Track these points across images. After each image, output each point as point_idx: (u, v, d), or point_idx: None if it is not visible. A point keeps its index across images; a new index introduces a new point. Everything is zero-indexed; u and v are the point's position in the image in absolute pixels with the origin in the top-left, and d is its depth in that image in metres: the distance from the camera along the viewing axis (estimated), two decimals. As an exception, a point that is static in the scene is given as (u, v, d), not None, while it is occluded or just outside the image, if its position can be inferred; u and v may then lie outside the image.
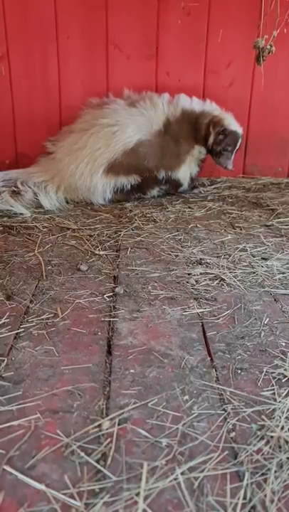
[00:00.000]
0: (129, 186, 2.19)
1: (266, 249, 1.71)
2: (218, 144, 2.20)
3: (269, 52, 1.73)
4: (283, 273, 1.52)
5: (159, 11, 2.34)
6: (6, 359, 1.06)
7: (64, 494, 0.74)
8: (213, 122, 2.18)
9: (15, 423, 0.88)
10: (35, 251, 1.64)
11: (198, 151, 2.28)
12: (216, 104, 2.34)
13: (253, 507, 0.73)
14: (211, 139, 2.19)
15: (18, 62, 2.39)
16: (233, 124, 2.21)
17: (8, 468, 0.78)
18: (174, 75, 2.47)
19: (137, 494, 0.74)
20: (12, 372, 1.02)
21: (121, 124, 2.13)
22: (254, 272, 1.52)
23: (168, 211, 2.12)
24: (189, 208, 2.19)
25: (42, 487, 0.75)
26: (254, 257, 1.64)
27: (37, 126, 2.51)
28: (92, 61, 2.41)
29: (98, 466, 0.79)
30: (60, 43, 2.36)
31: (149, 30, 2.38)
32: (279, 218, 2.04)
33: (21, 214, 1.99)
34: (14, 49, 2.36)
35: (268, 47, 1.73)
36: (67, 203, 2.19)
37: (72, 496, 0.74)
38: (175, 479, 0.77)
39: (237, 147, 2.24)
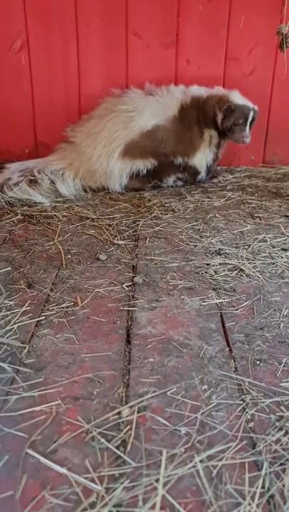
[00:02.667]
0: (145, 171, 2.19)
1: (286, 239, 1.69)
2: (227, 120, 2.19)
3: (292, 39, 1.70)
4: (303, 264, 1.50)
5: (180, -3, 2.31)
6: (27, 346, 1.08)
7: (85, 478, 0.76)
8: (218, 102, 2.20)
9: (37, 408, 0.90)
10: (55, 240, 1.66)
11: (209, 135, 2.28)
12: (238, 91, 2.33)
13: (271, 496, 0.74)
14: (219, 119, 2.20)
15: (37, 51, 2.39)
16: (238, 98, 2.20)
17: (30, 451, 0.80)
18: (194, 62, 2.44)
19: (157, 480, 0.75)
20: (33, 359, 1.04)
21: (138, 109, 2.17)
22: (274, 263, 1.51)
23: (186, 201, 2.12)
24: (208, 197, 2.17)
25: (64, 471, 0.77)
26: (274, 247, 1.63)
27: (56, 115, 2.51)
28: (111, 49, 2.40)
29: (118, 452, 0.81)
30: (79, 32, 2.35)
31: (170, 18, 2.34)
32: (299, 209, 2.02)
33: (41, 203, 2.01)
34: (34, 38, 2.36)
35: (292, 33, 1.69)
36: (85, 191, 2.20)
37: (93, 480, 0.75)
38: (194, 467, 0.78)
39: (249, 119, 2.20)
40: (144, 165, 2.19)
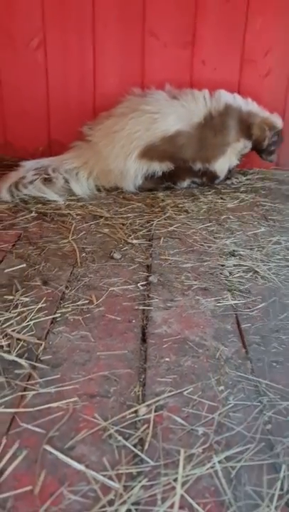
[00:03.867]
0: (160, 173, 2.19)
1: (301, 242, 1.68)
2: (273, 145, 2.33)
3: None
4: None
5: (197, -2, 2.31)
6: (43, 343, 1.08)
7: (103, 475, 0.76)
8: (267, 124, 2.25)
9: (54, 405, 0.90)
10: (69, 238, 1.66)
11: (244, 145, 2.31)
12: (252, 93, 2.33)
13: (290, 499, 0.73)
14: (266, 141, 2.28)
15: (54, 50, 2.39)
16: (281, 123, 2.31)
17: (48, 447, 0.80)
18: (210, 63, 2.43)
19: (175, 480, 0.75)
20: (50, 356, 1.04)
21: (163, 112, 2.15)
22: (288, 266, 1.50)
23: (200, 202, 2.11)
24: (222, 199, 2.17)
25: (82, 467, 0.77)
26: (288, 250, 1.62)
27: (71, 114, 2.51)
28: (128, 49, 2.40)
29: (136, 451, 0.80)
30: (96, 31, 2.36)
31: (187, 18, 2.34)
32: (314, 212, 2.01)
33: (55, 201, 2.01)
34: (51, 37, 2.37)
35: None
36: (99, 190, 2.20)
37: (111, 478, 0.75)
38: (212, 467, 0.78)
39: None
40: (160, 167, 2.18)
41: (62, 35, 2.37)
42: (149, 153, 2.15)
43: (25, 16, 2.33)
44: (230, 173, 2.36)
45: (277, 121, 2.29)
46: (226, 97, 2.23)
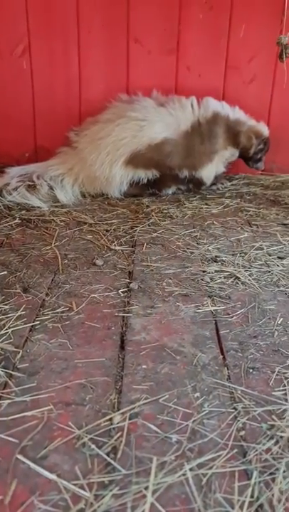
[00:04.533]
0: (145, 180, 2.20)
1: (282, 248, 1.70)
2: (259, 152, 2.35)
3: (292, 49, 1.71)
4: (299, 273, 1.50)
5: (181, 5, 2.32)
6: (21, 351, 1.08)
7: (74, 485, 0.76)
8: (253, 132, 2.28)
9: (28, 414, 0.90)
10: (52, 244, 1.66)
11: (231, 154, 2.33)
12: (237, 100, 2.37)
13: (260, 506, 0.74)
14: (253, 149, 2.30)
15: (39, 56, 2.40)
16: (267, 131, 2.34)
17: (21, 457, 0.80)
18: (195, 70, 2.45)
19: (146, 488, 0.75)
20: (27, 364, 1.04)
21: (150, 120, 2.16)
22: (269, 271, 1.51)
23: (185, 207, 2.12)
24: (206, 204, 2.18)
25: (53, 477, 0.77)
26: (270, 255, 1.63)
27: (57, 120, 2.52)
28: (112, 55, 2.41)
29: (108, 459, 0.81)
30: (81, 37, 2.37)
31: (171, 25, 2.36)
32: (297, 217, 2.02)
33: (39, 207, 2.01)
34: (36, 43, 2.38)
35: (291, 43, 1.71)
36: (84, 197, 2.21)
37: (82, 487, 0.75)
38: (183, 475, 0.78)
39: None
40: (145, 175, 2.19)
41: (47, 42, 2.38)
42: (134, 160, 2.15)
43: (10, 22, 2.34)
44: (215, 179, 2.38)
45: (264, 129, 2.32)
46: (214, 105, 2.24)
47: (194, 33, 2.38)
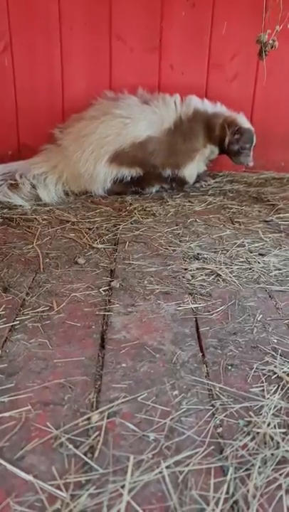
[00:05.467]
0: (129, 178, 2.20)
1: (264, 245, 1.71)
2: (235, 144, 2.26)
3: (272, 47, 1.72)
4: (279, 269, 1.52)
5: (163, 3, 2.32)
6: (0, 351, 1.08)
7: (51, 485, 0.76)
8: (227, 122, 2.23)
9: (6, 414, 0.89)
10: (34, 243, 1.65)
11: (210, 151, 2.32)
12: (220, 97, 2.35)
13: (236, 502, 0.74)
14: (227, 140, 2.25)
15: (20, 53, 2.38)
16: (245, 122, 2.27)
17: (-3, 458, 0.80)
18: (178, 67, 2.46)
19: (122, 487, 0.75)
20: (6, 365, 1.04)
21: (134, 118, 2.16)
22: (250, 268, 1.52)
23: (168, 205, 2.13)
24: (189, 202, 2.19)
25: (30, 478, 0.77)
26: (251, 252, 1.64)
27: (40, 118, 2.50)
28: (95, 53, 2.40)
29: (85, 459, 0.81)
30: (63, 35, 2.35)
31: (153, 22, 2.36)
32: (279, 214, 2.04)
33: (21, 206, 2.00)
34: (17, 40, 2.35)
35: (271, 41, 1.72)
36: (67, 195, 2.20)
37: (58, 487, 0.75)
38: (160, 473, 0.78)
39: (253, 144, 2.29)
40: (129, 172, 2.19)
41: (28, 39, 2.36)
42: (118, 158, 2.15)
43: (-9, 19, 2.31)
44: (198, 178, 2.38)
45: (240, 119, 2.25)
46: (195, 102, 2.24)
47: (177, 31, 2.38)
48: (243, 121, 2.26)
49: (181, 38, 2.40)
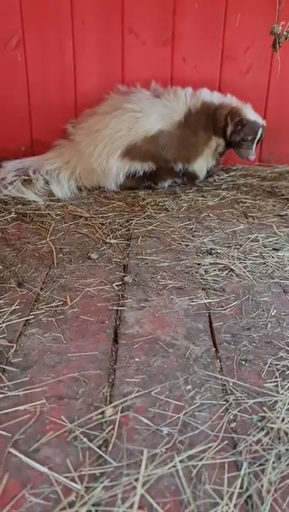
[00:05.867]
0: (141, 173, 2.19)
1: (278, 239, 1.69)
2: (236, 135, 2.18)
3: (286, 39, 1.70)
4: (294, 264, 1.50)
5: (176, -5, 2.30)
6: (15, 345, 1.09)
7: (66, 477, 0.76)
8: (231, 113, 2.18)
9: (21, 408, 0.91)
10: (47, 239, 1.66)
11: (216, 143, 2.27)
12: (233, 90, 2.32)
13: (250, 496, 0.74)
14: (229, 130, 2.19)
15: (33, 48, 2.39)
16: (250, 114, 2.19)
17: (13, 450, 0.81)
18: (190, 60, 2.44)
19: (136, 480, 0.76)
20: (20, 358, 1.05)
21: (145, 111, 2.15)
22: (264, 263, 1.51)
23: (181, 200, 2.12)
24: (202, 196, 2.18)
25: (45, 470, 0.78)
26: (265, 247, 1.63)
27: (52, 113, 2.51)
28: (107, 47, 2.39)
29: (100, 452, 0.81)
30: (75, 29, 2.35)
31: (166, 15, 2.34)
32: (293, 208, 2.02)
33: (34, 201, 2.01)
34: (30, 35, 2.36)
35: (285, 33, 1.69)
36: (80, 190, 2.20)
37: (73, 480, 0.76)
38: (174, 467, 0.79)
39: (257, 137, 2.20)
40: (141, 167, 2.19)
41: (40, 34, 2.36)
42: (131, 152, 2.15)
43: (3, 15, 2.32)
44: (210, 172, 2.37)
45: (244, 109, 2.18)
46: (204, 95, 2.22)
47: (190, 23, 2.36)
48: (248, 112, 2.18)
49: (194, 31, 2.38)
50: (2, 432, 0.85)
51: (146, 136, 2.14)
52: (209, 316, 1.23)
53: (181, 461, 0.79)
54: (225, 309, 1.26)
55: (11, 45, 2.38)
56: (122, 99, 2.23)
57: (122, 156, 2.16)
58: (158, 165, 2.20)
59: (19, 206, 1.97)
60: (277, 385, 0.98)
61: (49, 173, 2.15)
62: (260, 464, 0.80)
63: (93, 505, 0.72)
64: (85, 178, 2.23)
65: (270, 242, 1.67)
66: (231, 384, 0.98)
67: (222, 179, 2.43)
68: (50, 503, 0.72)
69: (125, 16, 2.33)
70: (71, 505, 0.72)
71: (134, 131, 2.14)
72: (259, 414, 0.90)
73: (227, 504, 0.73)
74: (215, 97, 2.23)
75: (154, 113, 2.16)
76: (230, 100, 2.23)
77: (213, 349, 1.10)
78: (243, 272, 1.46)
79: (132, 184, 2.24)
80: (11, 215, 1.87)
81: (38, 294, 1.31)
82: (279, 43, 1.73)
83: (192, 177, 2.31)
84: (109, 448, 0.82)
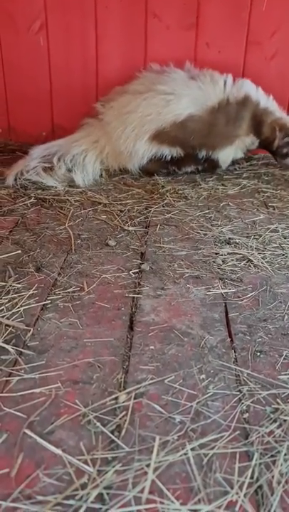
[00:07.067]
0: (169, 157, 2.17)
1: (298, 230, 1.67)
2: (285, 147, 2.22)
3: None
4: (314, 256, 1.48)
5: (202, -22, 2.25)
6: (32, 329, 1.11)
7: (78, 460, 0.78)
8: (278, 125, 2.17)
9: (37, 390, 0.92)
10: (66, 224, 1.67)
11: (251, 141, 2.24)
12: (258, 77, 2.28)
13: (260, 487, 0.75)
14: (276, 142, 2.20)
15: (56, 32, 2.37)
16: None
17: (28, 431, 0.83)
18: (214, 45, 2.38)
19: (148, 465, 0.77)
20: (37, 342, 1.07)
21: (177, 94, 2.10)
22: (283, 254, 1.49)
23: (200, 188, 2.10)
24: (223, 185, 2.15)
25: (59, 452, 0.79)
26: (285, 238, 1.61)
27: (74, 98, 2.50)
28: (130, 31, 2.36)
29: (112, 437, 0.83)
30: (98, 13, 2.32)
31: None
32: (315, 199, 1.98)
33: (54, 187, 2.02)
34: (53, 19, 2.34)
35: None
36: (101, 176, 2.19)
37: (86, 462, 0.78)
38: (185, 454, 0.79)
39: None
40: (170, 152, 2.15)
41: (63, 18, 2.34)
42: (159, 136, 2.12)
43: (27, -2, 2.30)
44: (232, 163, 2.32)
45: None
46: (248, 88, 2.16)
47: (214, 7, 2.30)
48: None
49: (218, 15, 2.32)
50: (18, 413, 0.87)
51: (176, 122, 2.10)
52: (225, 306, 1.23)
53: (192, 449, 0.80)
54: (242, 300, 1.25)
55: (34, 28, 2.37)
56: (154, 78, 2.17)
57: (150, 140, 2.12)
58: (186, 151, 2.17)
59: (39, 191, 1.98)
60: (291, 378, 0.97)
61: (74, 159, 2.13)
62: (272, 456, 0.80)
63: (105, 488, 0.73)
64: (112, 159, 2.20)
65: (290, 233, 1.65)
66: (245, 375, 0.98)
67: (242, 167, 2.39)
68: (63, 483, 0.74)
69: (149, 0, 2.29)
70: (83, 487, 0.73)
71: (164, 116, 2.09)
72: (272, 406, 0.90)
73: (237, 493, 0.73)
74: (260, 96, 2.17)
75: (187, 96, 2.10)
76: (273, 106, 2.19)
77: (229, 339, 1.10)
78: (262, 262, 1.44)
79: (153, 167, 2.21)
80: (31, 200, 1.88)
81: (56, 279, 1.33)
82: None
83: (214, 165, 2.28)
84: (122, 433, 0.83)
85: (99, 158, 2.18)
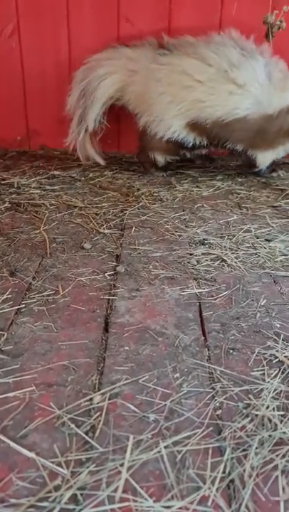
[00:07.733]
0: (190, 145, 2.15)
1: (271, 230, 1.70)
2: None
3: (279, 28, 1.68)
4: (285, 255, 1.51)
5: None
6: (6, 333, 1.10)
7: (52, 462, 0.78)
8: None
9: (10, 395, 0.92)
10: (41, 228, 1.67)
11: None
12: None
13: (232, 481, 0.76)
14: None
15: (28, 36, 2.37)
16: None
17: (1, 436, 0.83)
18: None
19: (121, 465, 0.78)
20: (11, 346, 1.06)
21: (246, 90, 1.97)
22: (256, 254, 1.52)
23: (175, 190, 2.12)
24: (197, 187, 2.18)
25: (32, 455, 0.79)
26: (258, 238, 1.64)
27: (48, 103, 2.50)
28: (103, 36, 2.37)
29: (86, 438, 0.83)
30: (70, 18, 2.33)
31: (162, 3, 2.32)
32: (287, 199, 2.02)
33: (29, 191, 2.01)
34: (25, 23, 2.34)
35: (278, 22, 1.68)
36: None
37: (59, 464, 0.78)
38: (158, 452, 0.80)
39: None
40: (194, 140, 2.12)
41: (36, 22, 2.35)
42: (195, 126, 2.08)
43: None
44: (271, 165, 2.28)
45: None
46: None
47: (186, 11, 2.34)
48: None
49: (190, 19, 2.35)
50: (-9, 418, 0.86)
51: (224, 120, 2.00)
52: (200, 305, 1.25)
53: (166, 447, 0.81)
54: (215, 299, 1.27)
55: (6, 33, 2.36)
56: (231, 53, 1.99)
57: (185, 125, 2.08)
58: (211, 142, 2.16)
59: (13, 196, 1.97)
60: (263, 374, 0.99)
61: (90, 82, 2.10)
62: (244, 450, 0.81)
63: (78, 489, 0.74)
64: (134, 102, 2.13)
65: (263, 232, 1.68)
66: (218, 372, 1.00)
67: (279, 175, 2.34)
68: (36, 486, 0.74)
69: (121, 4, 2.31)
70: (57, 488, 0.74)
71: (214, 109, 1.99)
72: (245, 401, 0.92)
73: (209, 488, 0.74)
74: None
75: (253, 97, 1.97)
76: None
77: (202, 338, 1.11)
78: (235, 262, 1.46)
79: (163, 146, 2.18)
80: (5, 205, 1.87)
81: (30, 283, 1.32)
82: (272, 32, 1.72)
83: (251, 164, 2.24)
84: (96, 434, 0.84)
85: (118, 85, 2.13)
